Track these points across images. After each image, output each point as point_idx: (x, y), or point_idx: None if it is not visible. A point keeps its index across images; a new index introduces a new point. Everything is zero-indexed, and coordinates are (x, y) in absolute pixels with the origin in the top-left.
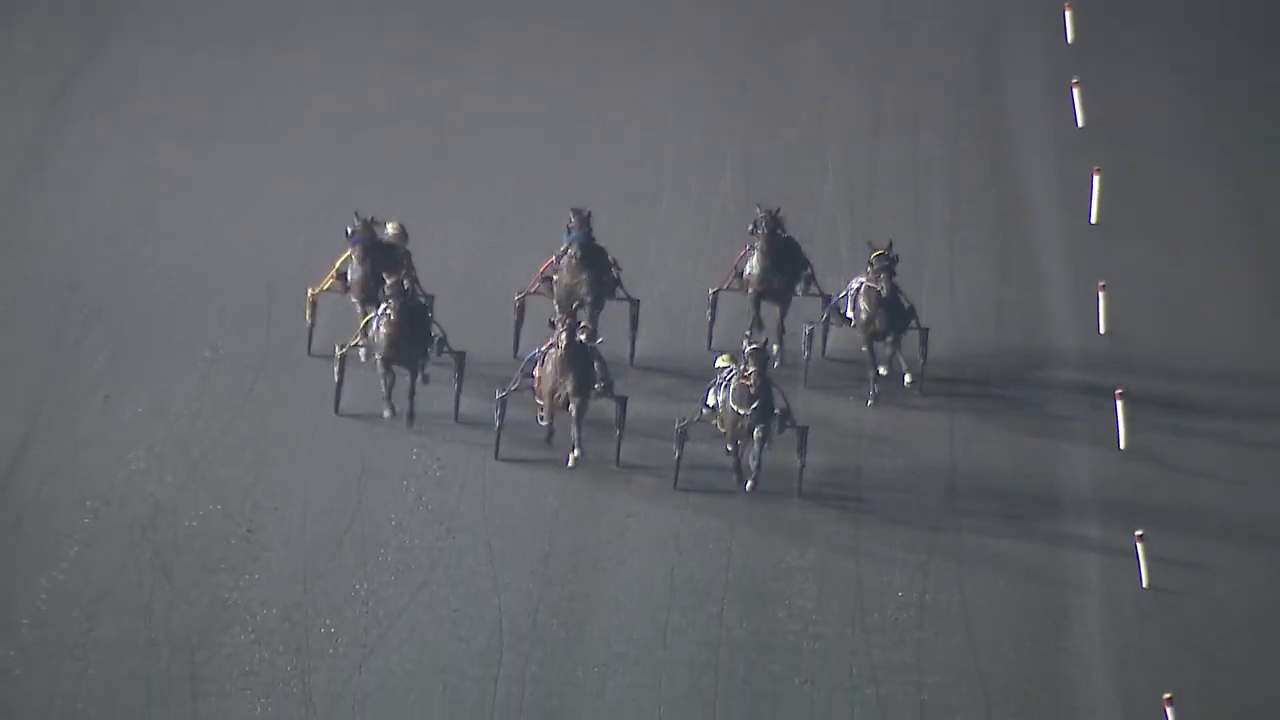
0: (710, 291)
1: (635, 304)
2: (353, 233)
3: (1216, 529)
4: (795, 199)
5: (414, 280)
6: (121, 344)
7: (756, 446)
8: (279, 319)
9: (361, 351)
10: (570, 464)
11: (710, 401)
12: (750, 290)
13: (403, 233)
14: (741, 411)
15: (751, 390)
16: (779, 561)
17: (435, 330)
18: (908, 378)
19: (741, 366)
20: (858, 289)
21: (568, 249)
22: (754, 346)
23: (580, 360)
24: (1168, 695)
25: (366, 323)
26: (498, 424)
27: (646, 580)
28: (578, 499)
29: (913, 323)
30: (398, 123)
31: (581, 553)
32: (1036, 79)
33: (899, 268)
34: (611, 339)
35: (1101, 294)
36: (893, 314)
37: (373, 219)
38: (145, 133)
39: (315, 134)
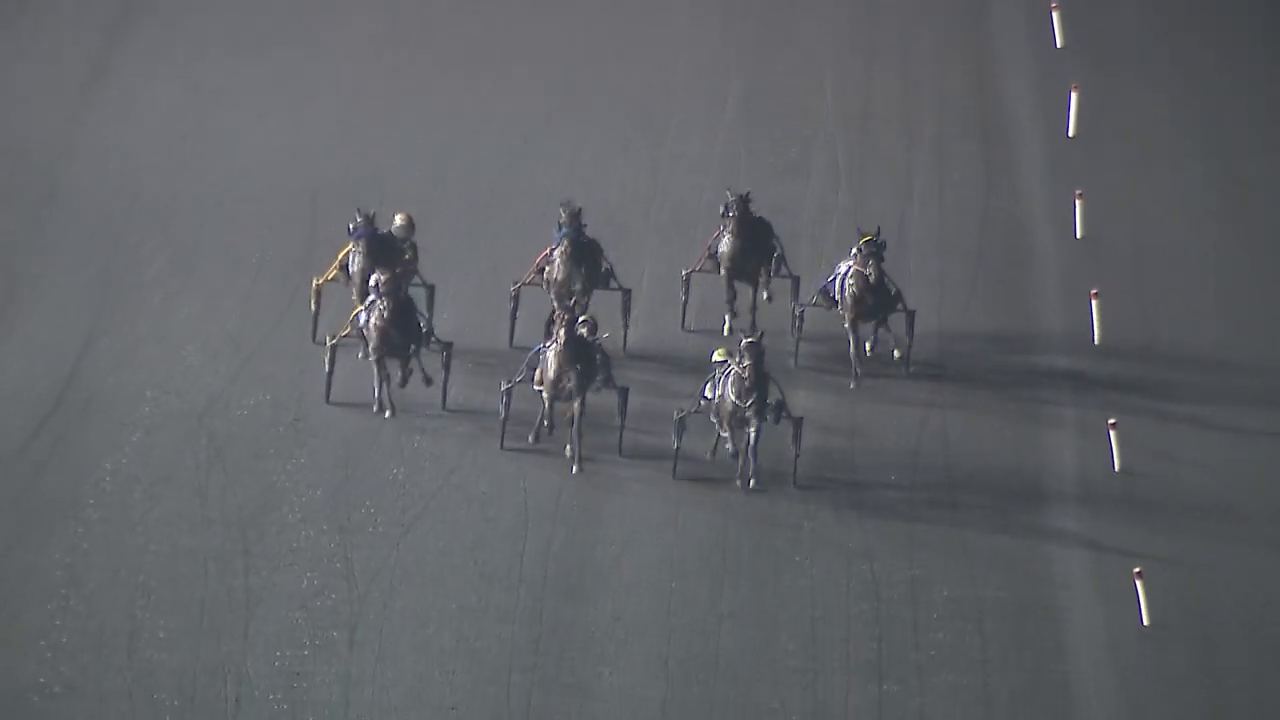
0: (684, 273)
1: (627, 293)
2: (354, 228)
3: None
4: (796, 113)
5: (415, 271)
6: (178, 248)
7: (752, 438)
8: (321, 226)
9: (359, 353)
10: (575, 471)
11: (708, 394)
12: (723, 270)
13: (409, 224)
14: (739, 403)
15: (748, 383)
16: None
17: (423, 323)
18: (896, 353)
19: (738, 360)
20: (845, 272)
21: (558, 244)
22: (749, 340)
23: (581, 354)
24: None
25: (356, 315)
26: (503, 414)
27: (658, 476)
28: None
29: (900, 306)
30: (429, 47)
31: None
32: (1020, 5)
33: (886, 254)
34: (605, 328)
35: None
36: (879, 298)
37: (374, 213)
38: (200, 50)
39: (355, 52)
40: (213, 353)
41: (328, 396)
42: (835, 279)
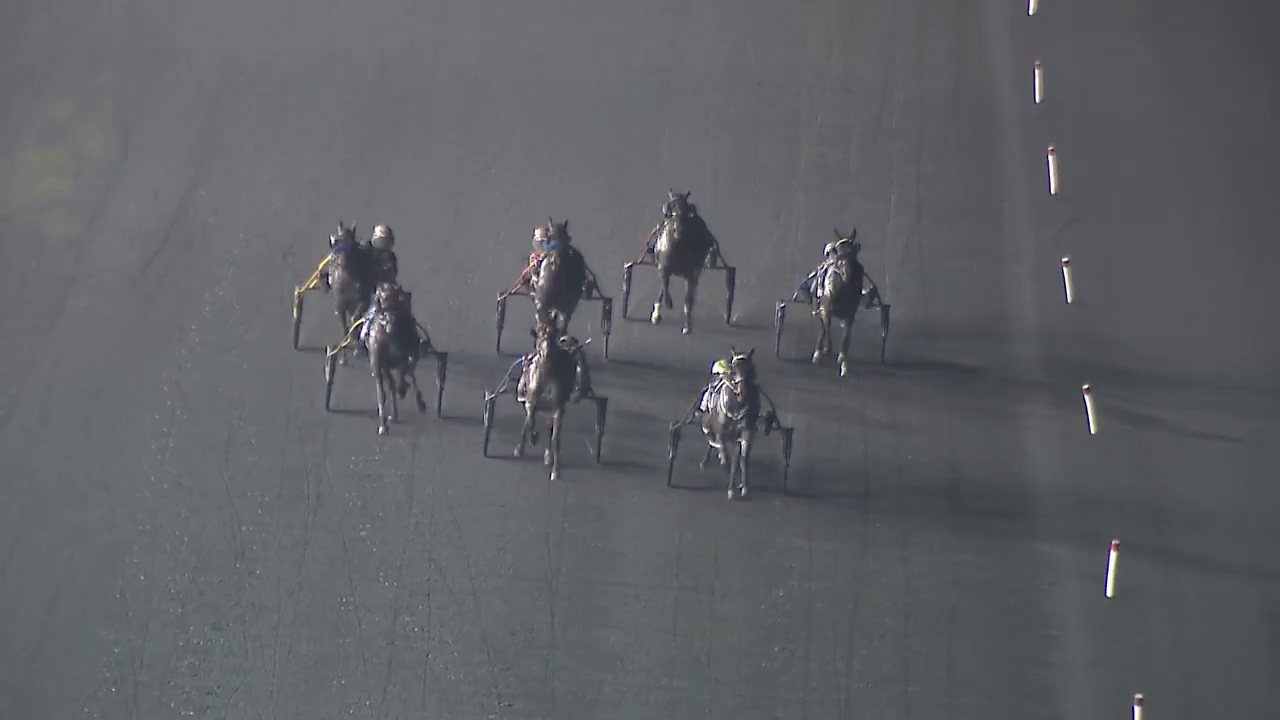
0: (625, 266)
1: (608, 302)
2: (335, 241)
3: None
4: (789, 46)
5: (393, 281)
6: (267, 109)
7: (743, 449)
8: (386, 95)
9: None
10: (554, 477)
11: (703, 405)
12: (660, 265)
13: (389, 236)
14: (730, 416)
15: (739, 398)
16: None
17: (421, 335)
18: (843, 369)
19: (730, 375)
20: (823, 272)
21: (546, 257)
22: (741, 357)
23: (562, 366)
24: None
25: (357, 327)
26: (486, 424)
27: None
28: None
29: (875, 302)
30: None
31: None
32: None
33: (860, 255)
34: (586, 335)
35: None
36: (853, 296)
37: (355, 227)
38: None
39: None
40: (295, 198)
41: (328, 404)
42: (814, 277)
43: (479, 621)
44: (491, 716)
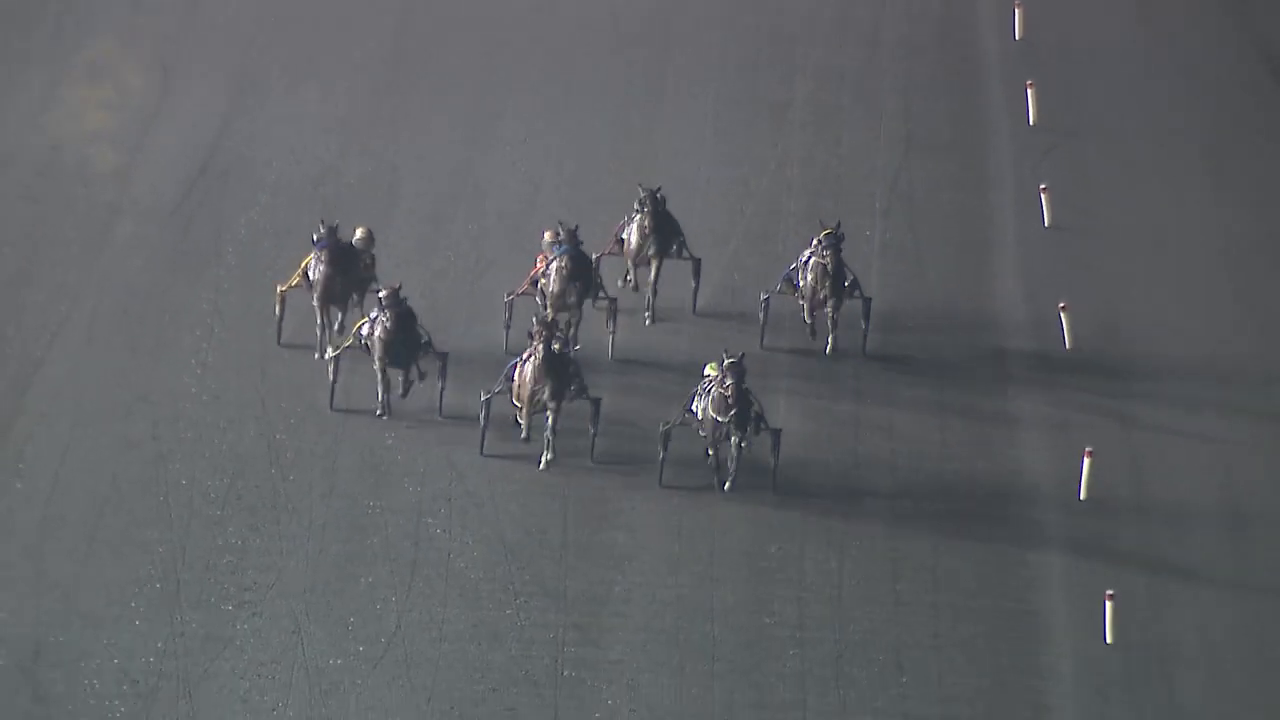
0: (594, 256)
1: (613, 302)
2: (318, 239)
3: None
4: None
5: (373, 278)
6: (297, 48)
7: (733, 451)
8: (407, 36)
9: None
10: (542, 467)
11: (694, 407)
12: (629, 256)
13: (369, 238)
14: (720, 419)
15: (729, 400)
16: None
17: (423, 334)
18: (829, 348)
19: (720, 379)
20: (806, 262)
21: (556, 259)
22: (731, 361)
23: (556, 367)
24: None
25: (359, 326)
26: (482, 423)
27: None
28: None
29: (856, 293)
30: None
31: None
32: None
33: (843, 246)
34: (594, 338)
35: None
36: (835, 284)
37: (337, 226)
38: None
39: None
40: (326, 130)
41: (331, 404)
42: (797, 268)
43: (496, 524)
44: (508, 611)
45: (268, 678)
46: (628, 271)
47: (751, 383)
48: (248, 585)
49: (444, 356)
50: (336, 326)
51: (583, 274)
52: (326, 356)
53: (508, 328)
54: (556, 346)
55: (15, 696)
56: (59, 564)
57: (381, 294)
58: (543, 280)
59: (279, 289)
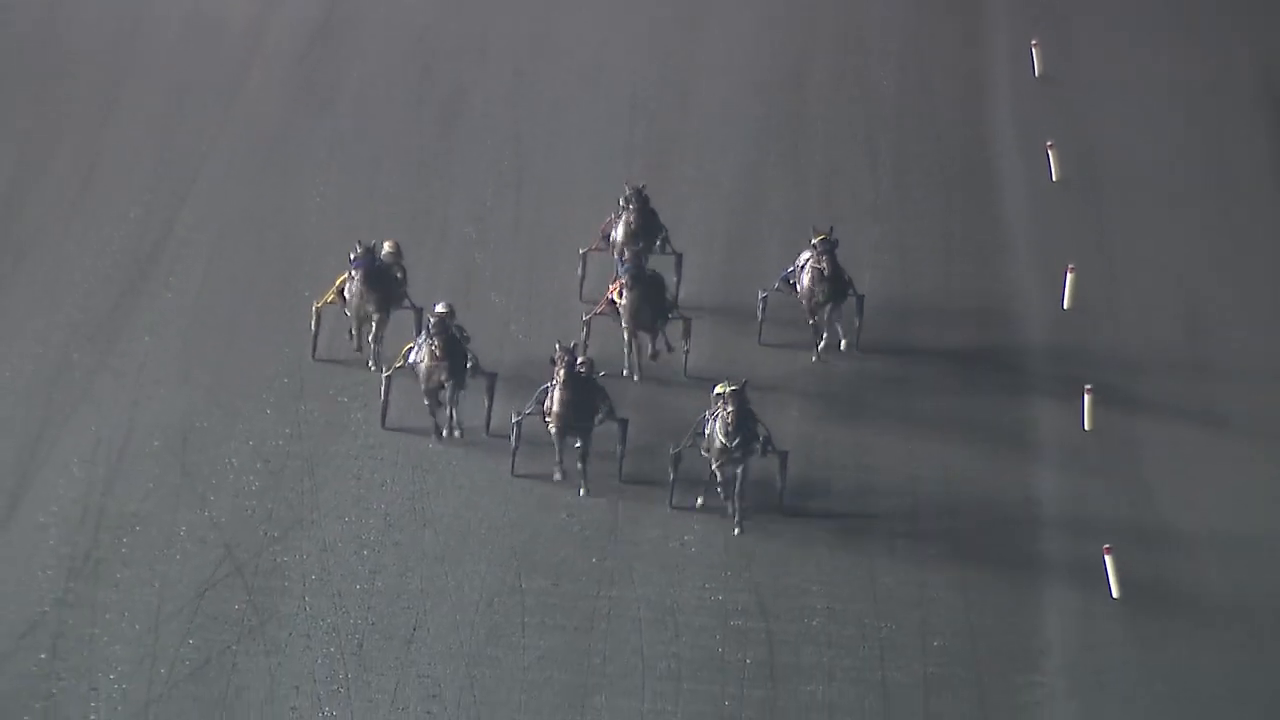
0: (580, 251)
1: (688, 321)
2: (354, 258)
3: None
4: None
5: (406, 294)
6: None
7: (739, 479)
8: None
9: (370, 365)
10: (582, 494)
11: (704, 430)
12: (616, 253)
13: (397, 250)
14: (726, 444)
15: (731, 427)
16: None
17: (469, 357)
18: (844, 343)
19: (723, 405)
20: (803, 265)
21: (623, 280)
22: (733, 389)
23: (582, 392)
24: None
25: (406, 350)
26: (514, 445)
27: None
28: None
29: (851, 292)
30: None
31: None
32: None
33: (839, 250)
34: (673, 353)
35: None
36: (833, 288)
37: (373, 245)
38: None
39: None
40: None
41: (383, 423)
42: (795, 269)
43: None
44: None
45: (376, 459)
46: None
47: (750, 384)
48: (360, 381)
49: (493, 376)
50: (371, 338)
51: (653, 293)
52: (383, 375)
53: (585, 346)
54: (581, 366)
55: (167, 474)
56: (203, 363)
57: (430, 320)
58: (618, 300)
59: (315, 305)
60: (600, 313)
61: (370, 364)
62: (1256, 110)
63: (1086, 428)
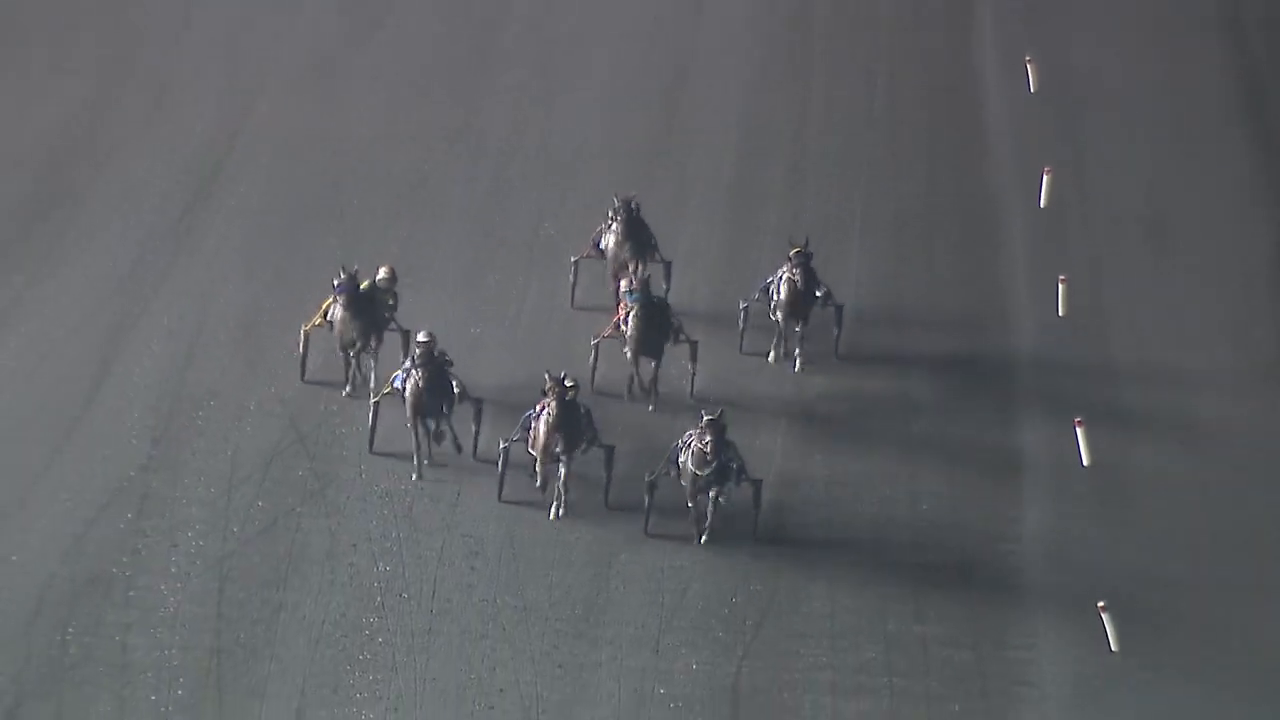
0: (572, 259)
1: (694, 345)
2: (338, 284)
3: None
4: None
5: (393, 318)
6: None
7: (711, 505)
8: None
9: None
10: (552, 517)
11: (678, 459)
12: (609, 261)
13: (391, 276)
14: (698, 473)
15: (708, 456)
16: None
17: (455, 384)
18: (799, 365)
19: (699, 435)
20: (780, 277)
21: (633, 309)
22: (710, 419)
23: (569, 420)
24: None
25: (393, 377)
26: (500, 469)
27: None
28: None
29: (829, 303)
30: None
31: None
32: None
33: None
34: (676, 376)
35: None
36: (806, 301)
37: (356, 271)
38: None
39: None
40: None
41: (371, 447)
42: (772, 281)
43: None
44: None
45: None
46: (615, 289)
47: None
48: (404, 271)
49: (479, 403)
50: (355, 365)
51: (659, 320)
52: (371, 400)
53: (594, 369)
54: (569, 390)
55: (236, 355)
56: (266, 260)
57: (415, 350)
58: (624, 326)
59: (303, 328)
60: (608, 336)
61: (345, 391)
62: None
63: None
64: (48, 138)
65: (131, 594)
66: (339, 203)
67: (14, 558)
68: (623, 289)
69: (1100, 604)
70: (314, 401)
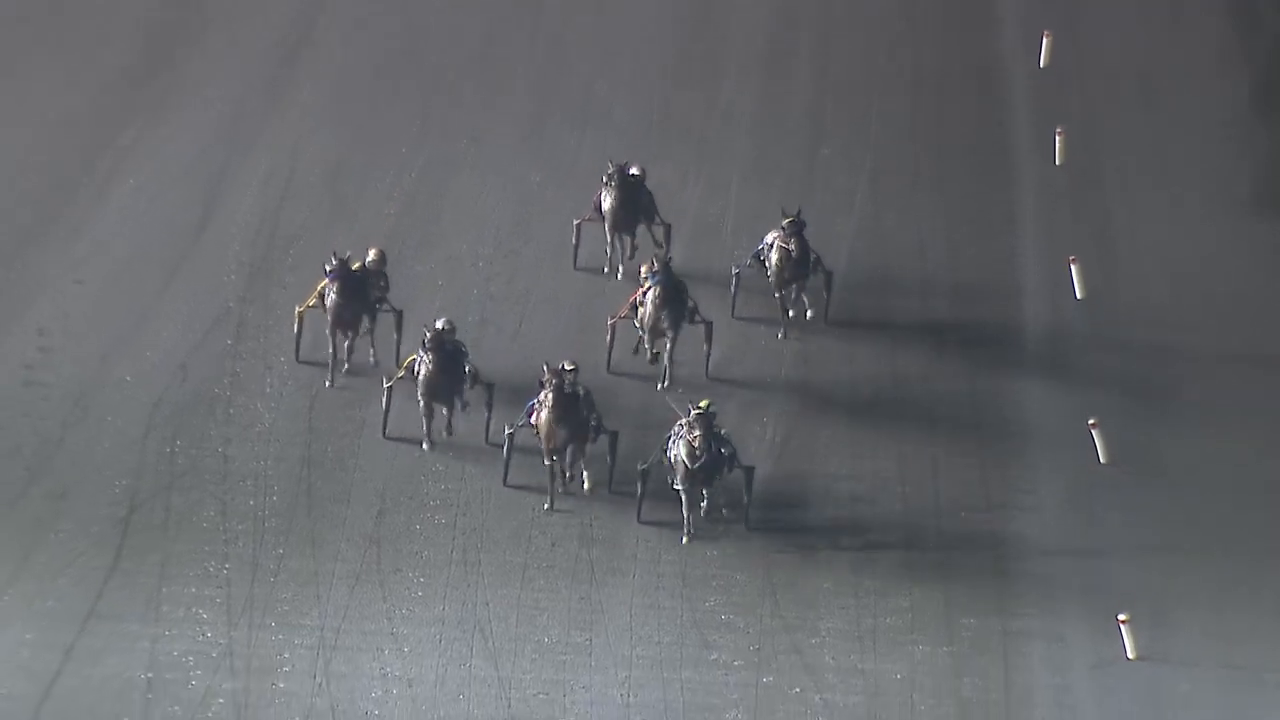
0: (575, 222)
1: (709, 325)
2: (330, 269)
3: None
4: None
5: (384, 299)
6: None
7: (700, 498)
8: None
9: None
10: (586, 490)
11: (669, 450)
12: (606, 223)
13: (381, 258)
14: (689, 466)
15: (697, 450)
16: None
17: (468, 368)
18: (809, 313)
19: (689, 427)
20: (771, 244)
21: (651, 288)
22: (699, 412)
23: (571, 411)
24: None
25: (410, 362)
26: (505, 456)
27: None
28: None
29: (818, 269)
30: None
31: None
32: None
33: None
34: (692, 356)
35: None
36: (799, 267)
37: (349, 256)
38: None
39: None
40: None
41: (384, 432)
42: (764, 248)
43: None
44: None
45: (493, 187)
46: (608, 248)
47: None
48: (468, 131)
49: (490, 387)
50: (347, 349)
51: (675, 301)
52: (384, 385)
53: (610, 350)
54: (569, 375)
55: (323, 198)
56: (349, 116)
57: (426, 335)
58: (640, 307)
59: (297, 309)
60: (624, 316)
61: (328, 381)
62: None
63: (1102, 461)
64: (152, 10)
65: (231, 411)
66: (409, 69)
67: (128, 378)
68: (643, 273)
69: (1122, 617)
70: (394, 242)
